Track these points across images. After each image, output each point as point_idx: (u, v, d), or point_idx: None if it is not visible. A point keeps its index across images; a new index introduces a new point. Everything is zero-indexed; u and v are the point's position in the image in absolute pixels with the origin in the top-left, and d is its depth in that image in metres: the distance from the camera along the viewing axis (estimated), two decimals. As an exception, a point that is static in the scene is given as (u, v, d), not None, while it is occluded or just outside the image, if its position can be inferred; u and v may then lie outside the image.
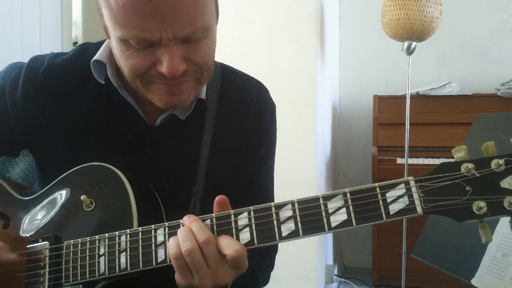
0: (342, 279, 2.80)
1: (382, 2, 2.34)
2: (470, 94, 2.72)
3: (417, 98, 2.74)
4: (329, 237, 2.76)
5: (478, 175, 0.58)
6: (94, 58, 0.81)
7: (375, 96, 2.87)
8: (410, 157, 2.45)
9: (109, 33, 0.73)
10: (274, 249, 0.94)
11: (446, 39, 2.97)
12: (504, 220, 0.97)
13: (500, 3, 2.96)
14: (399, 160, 2.60)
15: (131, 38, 0.68)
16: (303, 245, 2.20)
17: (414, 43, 2.28)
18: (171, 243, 0.66)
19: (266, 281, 0.92)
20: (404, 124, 2.38)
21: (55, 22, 2.16)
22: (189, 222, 0.67)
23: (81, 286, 0.73)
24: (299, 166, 2.21)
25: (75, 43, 2.33)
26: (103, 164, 0.79)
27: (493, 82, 2.85)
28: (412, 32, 2.21)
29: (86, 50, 0.87)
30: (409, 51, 2.29)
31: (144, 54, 0.70)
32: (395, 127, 2.70)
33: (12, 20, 1.94)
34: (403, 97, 2.48)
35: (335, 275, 2.69)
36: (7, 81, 0.85)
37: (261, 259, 0.88)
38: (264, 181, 0.96)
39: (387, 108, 2.82)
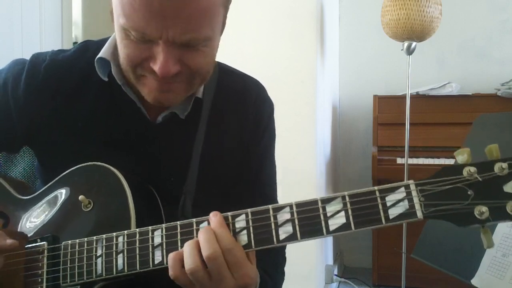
0: (342, 279, 2.80)
1: (382, 2, 2.33)
2: (470, 94, 2.72)
3: (417, 98, 2.73)
4: (329, 237, 2.76)
5: (480, 179, 0.56)
6: (99, 55, 0.81)
7: (375, 96, 2.87)
8: (410, 157, 2.44)
9: (113, 17, 0.74)
10: (284, 260, 0.95)
11: (446, 39, 2.97)
12: (504, 220, 0.97)
13: (500, 3, 2.96)
14: (399, 160, 2.60)
15: (132, 30, 0.69)
16: (303, 245, 2.18)
17: (414, 43, 2.27)
18: (187, 253, 0.64)
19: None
20: (404, 124, 2.38)
21: (55, 22, 2.16)
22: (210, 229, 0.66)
23: (78, 287, 0.73)
24: (299, 166, 2.20)
25: (75, 43, 2.33)
26: (101, 164, 0.78)
27: (493, 82, 2.84)
28: (412, 32, 2.21)
29: (87, 47, 0.88)
30: (409, 51, 2.29)
31: (141, 47, 0.71)
32: (395, 127, 2.70)
33: (12, 20, 1.94)
34: (403, 97, 2.48)
35: (335, 275, 2.69)
36: (9, 77, 0.86)
37: (274, 271, 0.89)
38: (268, 177, 0.96)
39: (387, 108, 2.81)
